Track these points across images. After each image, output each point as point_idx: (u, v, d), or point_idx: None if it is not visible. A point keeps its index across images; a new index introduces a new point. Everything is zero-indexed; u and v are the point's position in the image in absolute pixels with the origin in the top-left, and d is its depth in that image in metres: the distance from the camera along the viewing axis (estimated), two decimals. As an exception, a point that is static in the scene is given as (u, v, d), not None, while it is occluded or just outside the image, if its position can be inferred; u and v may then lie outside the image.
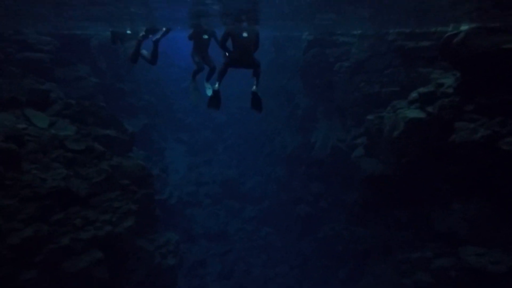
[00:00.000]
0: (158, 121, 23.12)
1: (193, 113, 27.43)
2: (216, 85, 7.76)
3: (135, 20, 9.68)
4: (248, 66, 7.85)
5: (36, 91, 10.89)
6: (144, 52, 9.25)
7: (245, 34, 7.61)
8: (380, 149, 11.62)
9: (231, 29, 7.81)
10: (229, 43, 7.99)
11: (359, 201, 12.30)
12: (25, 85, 10.76)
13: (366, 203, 11.90)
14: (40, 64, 12.89)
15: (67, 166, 9.23)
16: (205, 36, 9.01)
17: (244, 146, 24.89)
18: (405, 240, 10.47)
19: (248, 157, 24.13)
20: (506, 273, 8.16)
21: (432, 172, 9.90)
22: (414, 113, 10.11)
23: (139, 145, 17.14)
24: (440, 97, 9.69)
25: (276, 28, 14.73)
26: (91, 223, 8.89)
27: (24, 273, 7.72)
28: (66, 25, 11.70)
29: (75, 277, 8.35)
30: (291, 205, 18.08)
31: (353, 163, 12.88)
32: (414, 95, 10.60)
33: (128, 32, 9.77)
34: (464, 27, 9.10)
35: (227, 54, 8.10)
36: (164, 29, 9.56)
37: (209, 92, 8.31)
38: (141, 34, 9.17)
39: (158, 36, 9.26)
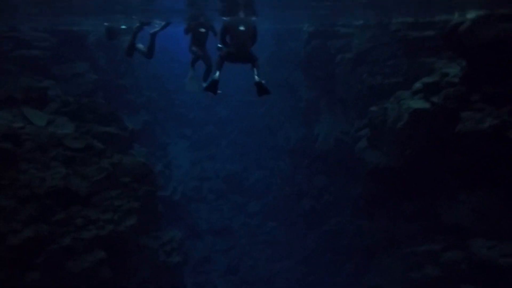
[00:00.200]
0: (160, 117, 22.99)
1: (196, 108, 27.27)
2: (217, 74, 7.51)
3: (131, 13, 9.49)
4: (245, 61, 7.62)
5: (34, 89, 10.76)
6: (139, 46, 9.07)
7: (242, 28, 7.39)
8: (384, 140, 11.43)
9: (228, 23, 7.60)
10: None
11: (364, 194, 12.14)
12: (22, 83, 10.61)
13: (371, 196, 11.73)
14: (37, 61, 12.72)
15: (66, 165, 9.11)
16: (202, 30, 8.79)
17: (247, 140, 24.72)
18: (412, 233, 10.32)
19: (251, 151, 23.97)
20: (518, 266, 8.01)
21: (438, 163, 9.72)
22: (418, 103, 9.90)
23: (141, 142, 17.02)
24: (445, 87, 9.46)
25: (275, 19, 14.50)
26: (93, 222, 8.79)
27: (28, 274, 7.66)
28: (61, 20, 11.52)
29: (78, 277, 8.28)
30: (295, 199, 17.95)
31: (357, 156, 12.70)
32: (418, 85, 10.37)
33: (123, 27, 9.59)
34: (470, 15, 8.83)
35: (219, 46, 7.91)
36: (163, 23, 9.37)
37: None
38: (135, 26, 8.99)
39: (156, 29, 9.06)
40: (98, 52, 17.05)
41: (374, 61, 13.56)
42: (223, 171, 22.14)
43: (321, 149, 16.09)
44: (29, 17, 10.73)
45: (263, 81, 7.53)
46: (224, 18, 9.38)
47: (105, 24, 10.48)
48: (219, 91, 8.40)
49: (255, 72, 7.53)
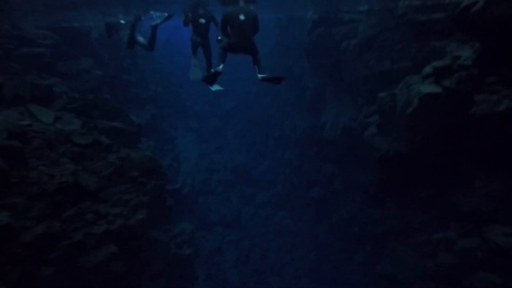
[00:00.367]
0: (167, 111, 23.00)
1: (202, 101, 27.23)
2: (221, 67, 7.35)
3: (130, 6, 9.36)
4: (248, 51, 7.46)
5: (39, 86, 10.72)
6: (140, 38, 8.97)
7: (242, 17, 7.24)
8: (394, 127, 11.24)
9: (228, 13, 7.45)
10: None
11: (375, 182, 11.99)
12: (28, 81, 10.58)
13: (382, 184, 11.58)
14: (41, 59, 12.70)
15: (74, 161, 9.10)
16: (202, 21, 8.63)
17: (253, 131, 24.67)
18: (425, 220, 10.15)
19: (258, 142, 23.93)
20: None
21: (451, 149, 9.50)
22: (429, 88, 9.66)
23: (149, 136, 17.05)
24: (457, 70, 9.19)
25: (276, 7, 14.22)
26: (103, 217, 8.79)
27: (42, 270, 7.71)
28: (61, 15, 11.41)
29: (92, 272, 8.32)
30: (304, 188, 17.88)
31: (366, 143, 12.54)
32: (428, 69, 10.11)
33: (122, 21, 9.48)
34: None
35: (219, 38, 7.69)
36: (166, 14, 9.23)
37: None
38: (132, 19, 8.89)
39: (158, 21, 8.93)
40: (102, 48, 17.00)
41: (381, 46, 13.29)
42: (231, 163, 22.16)
43: (329, 137, 15.94)
44: (29, 14, 10.62)
45: (266, 75, 7.39)
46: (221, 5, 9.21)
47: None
48: (222, 88, 8.26)
49: (257, 70, 7.41)
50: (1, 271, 6.95)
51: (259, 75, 7.32)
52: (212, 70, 7.37)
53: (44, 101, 10.59)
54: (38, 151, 8.57)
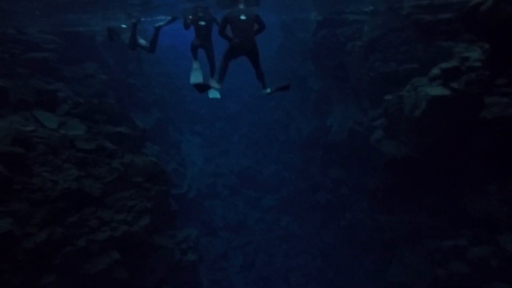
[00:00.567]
0: (172, 115, 22.95)
1: (207, 105, 27.16)
2: (217, 85, 7.39)
3: (131, 9, 9.31)
4: (250, 52, 7.36)
5: (44, 91, 10.71)
6: (141, 41, 8.91)
7: (243, 17, 7.15)
8: (401, 130, 11.04)
9: (229, 14, 7.36)
10: (228, 32, 7.53)
11: (382, 187, 11.76)
12: (33, 85, 10.56)
13: (390, 188, 11.36)
14: (46, 63, 12.73)
15: (78, 167, 9.04)
16: (202, 23, 8.53)
17: (258, 134, 24.55)
18: (436, 227, 9.89)
19: (264, 146, 23.80)
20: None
21: (461, 153, 9.28)
22: (437, 90, 9.46)
23: (154, 140, 16.98)
24: (466, 72, 8.99)
25: (279, 9, 14.08)
26: (107, 223, 8.71)
27: (44, 277, 7.63)
28: (64, 18, 11.39)
29: (94, 278, 8.23)
30: (310, 192, 17.67)
31: (373, 146, 12.34)
32: (435, 71, 9.92)
33: (123, 26, 9.47)
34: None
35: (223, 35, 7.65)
36: (170, 17, 9.17)
37: (215, 85, 7.86)
38: (131, 22, 8.85)
39: (161, 23, 8.87)
40: (106, 52, 17.00)
41: (387, 47, 13.12)
42: (237, 167, 22.02)
43: (335, 141, 15.75)
44: (34, 19, 10.62)
45: (272, 89, 7.39)
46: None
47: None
48: (218, 97, 8.18)
49: (261, 86, 7.44)
50: (2, 279, 6.87)
51: (264, 91, 7.31)
52: (209, 83, 7.39)
53: (48, 106, 10.57)
54: (42, 157, 8.52)
